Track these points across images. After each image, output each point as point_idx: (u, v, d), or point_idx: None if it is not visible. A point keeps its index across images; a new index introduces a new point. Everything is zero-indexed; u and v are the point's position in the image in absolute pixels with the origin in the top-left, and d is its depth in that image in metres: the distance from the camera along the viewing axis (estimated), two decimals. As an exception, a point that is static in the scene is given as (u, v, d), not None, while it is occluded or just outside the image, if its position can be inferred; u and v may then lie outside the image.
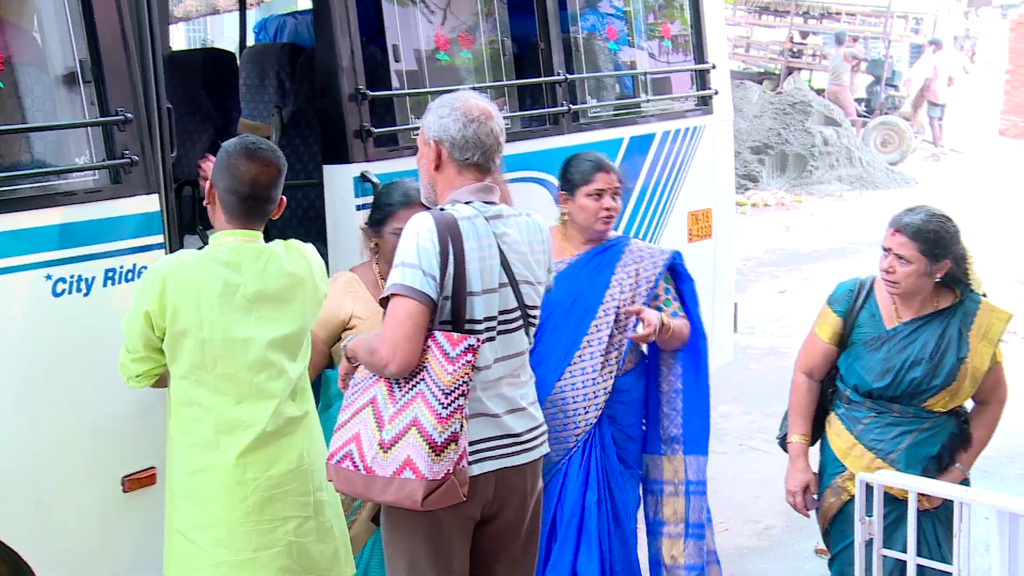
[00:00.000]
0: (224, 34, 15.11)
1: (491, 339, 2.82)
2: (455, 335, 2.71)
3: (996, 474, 5.73)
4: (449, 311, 2.75)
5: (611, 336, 3.66)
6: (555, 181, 3.95)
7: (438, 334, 2.71)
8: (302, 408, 3.03)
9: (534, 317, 2.95)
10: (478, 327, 2.78)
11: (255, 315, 2.92)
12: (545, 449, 3.01)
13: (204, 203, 3.05)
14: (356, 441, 2.76)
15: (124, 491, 3.22)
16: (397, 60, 4.21)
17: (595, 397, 3.65)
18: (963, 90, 17.69)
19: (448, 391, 2.67)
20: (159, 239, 3.29)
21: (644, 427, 3.85)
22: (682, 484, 3.80)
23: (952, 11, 24.19)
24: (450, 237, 2.73)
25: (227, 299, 2.89)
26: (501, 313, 2.85)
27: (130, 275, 3.20)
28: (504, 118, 4.54)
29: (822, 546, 4.81)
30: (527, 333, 2.93)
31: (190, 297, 2.86)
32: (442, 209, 2.82)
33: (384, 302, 2.78)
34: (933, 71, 18.44)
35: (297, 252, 3.06)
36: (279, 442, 2.95)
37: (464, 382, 2.68)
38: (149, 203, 3.27)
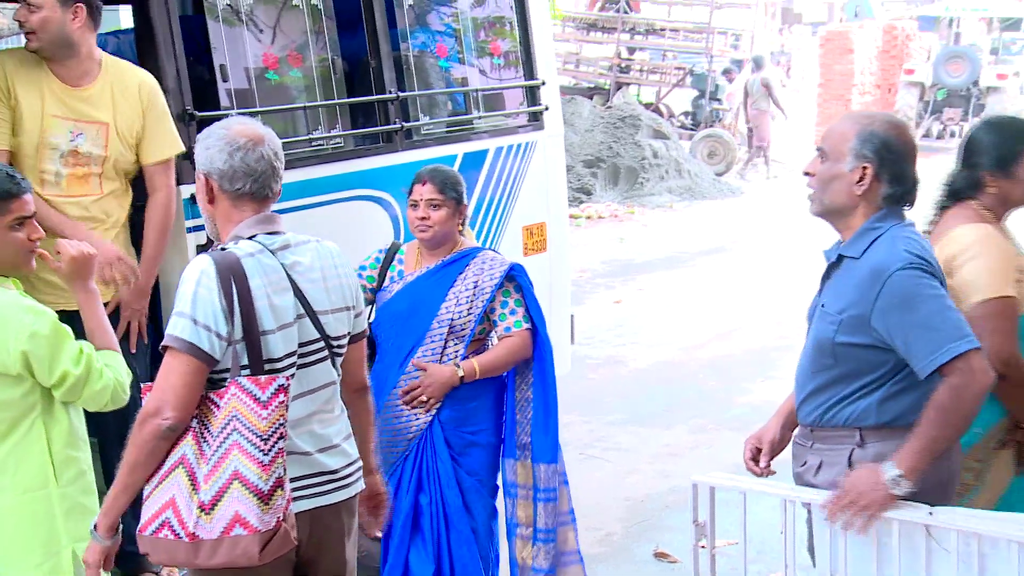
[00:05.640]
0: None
1: (291, 375, 2.66)
2: (262, 378, 2.57)
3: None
4: (245, 354, 2.61)
5: (445, 347, 3.76)
6: (389, 198, 3.97)
7: (244, 380, 2.56)
8: None
9: (340, 347, 2.82)
10: (279, 365, 2.65)
11: None
12: (361, 486, 2.91)
13: None
14: (172, 507, 2.56)
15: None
16: (225, 80, 4.16)
17: (425, 404, 3.75)
18: (781, 102, 18.32)
19: (266, 436, 2.53)
20: None
21: (503, 434, 3.93)
22: (532, 490, 3.88)
23: (767, 28, 25.25)
24: (233, 278, 2.58)
25: None
26: (301, 346, 2.71)
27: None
28: (336, 136, 4.59)
29: (661, 549, 4.96)
30: (334, 364, 2.80)
31: None
32: (223, 248, 2.67)
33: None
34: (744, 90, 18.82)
35: None
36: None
37: (281, 424, 2.55)
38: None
